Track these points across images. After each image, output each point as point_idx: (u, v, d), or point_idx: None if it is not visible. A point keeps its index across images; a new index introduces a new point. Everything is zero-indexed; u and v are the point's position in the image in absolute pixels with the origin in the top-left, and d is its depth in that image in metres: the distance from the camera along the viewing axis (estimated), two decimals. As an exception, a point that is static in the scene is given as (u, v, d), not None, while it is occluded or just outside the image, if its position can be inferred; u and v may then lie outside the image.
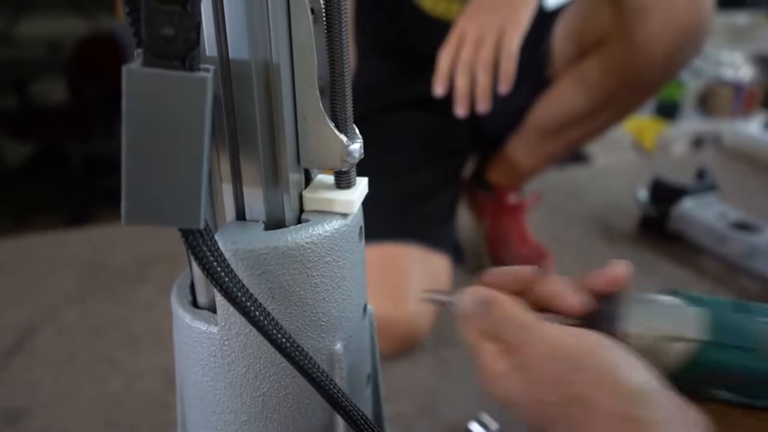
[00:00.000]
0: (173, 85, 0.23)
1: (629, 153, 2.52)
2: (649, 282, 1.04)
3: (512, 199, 1.09)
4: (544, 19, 0.93)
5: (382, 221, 0.87)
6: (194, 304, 0.34)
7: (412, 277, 0.84)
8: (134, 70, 0.23)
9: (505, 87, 0.78)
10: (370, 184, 0.35)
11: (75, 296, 1.00)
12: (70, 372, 0.83)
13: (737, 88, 2.77)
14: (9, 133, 2.71)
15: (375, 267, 0.69)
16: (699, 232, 1.09)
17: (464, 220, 1.18)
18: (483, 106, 0.79)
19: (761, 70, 2.89)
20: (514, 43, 0.77)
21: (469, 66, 0.79)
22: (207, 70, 0.25)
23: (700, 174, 1.20)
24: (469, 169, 1.16)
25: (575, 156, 2.40)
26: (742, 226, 1.04)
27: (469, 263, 1.10)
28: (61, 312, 0.96)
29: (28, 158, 2.99)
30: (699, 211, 1.10)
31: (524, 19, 0.79)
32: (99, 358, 0.85)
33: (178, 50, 0.23)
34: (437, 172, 1.01)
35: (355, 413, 0.30)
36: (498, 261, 1.05)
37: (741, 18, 3.09)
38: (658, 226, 1.17)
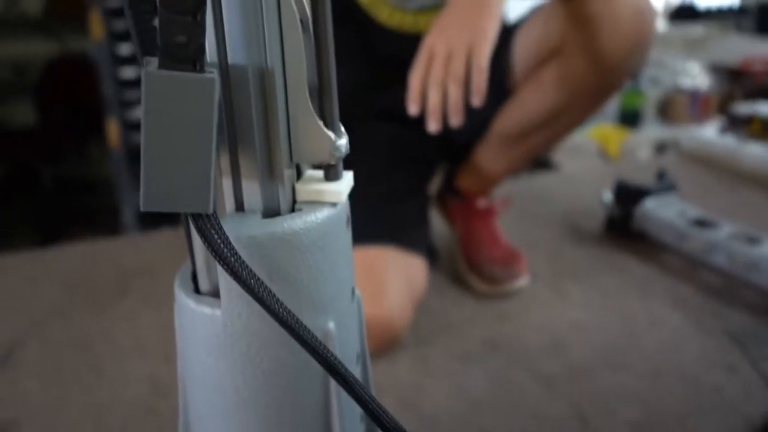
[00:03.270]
0: (186, 85, 0.27)
1: (595, 160, 2.59)
2: (617, 279, 1.09)
3: (481, 203, 1.13)
4: (504, 33, 0.98)
5: (357, 224, 0.90)
6: (196, 291, 0.37)
7: (390, 278, 0.88)
8: (152, 73, 0.26)
9: (477, 100, 0.80)
10: None
11: (58, 310, 1.02)
12: (58, 383, 0.84)
13: (693, 95, 2.88)
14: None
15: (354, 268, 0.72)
16: (661, 230, 1.15)
17: (438, 225, 1.22)
18: (456, 120, 0.81)
19: (716, 79, 3.01)
20: (483, 57, 0.80)
21: (441, 82, 0.81)
22: (212, 71, 0.28)
23: (660, 175, 1.26)
24: (439, 176, 1.20)
25: (543, 164, 2.47)
26: (701, 223, 1.10)
27: (443, 265, 1.14)
28: (45, 326, 0.97)
29: (-3, 181, 2.96)
30: (660, 211, 1.16)
31: (491, 32, 0.82)
32: (86, 369, 0.87)
33: (190, 55, 0.26)
34: (409, 177, 1.06)
35: (351, 379, 0.34)
36: (472, 262, 1.09)
37: (697, 30, 3.22)
38: (622, 225, 1.23)
